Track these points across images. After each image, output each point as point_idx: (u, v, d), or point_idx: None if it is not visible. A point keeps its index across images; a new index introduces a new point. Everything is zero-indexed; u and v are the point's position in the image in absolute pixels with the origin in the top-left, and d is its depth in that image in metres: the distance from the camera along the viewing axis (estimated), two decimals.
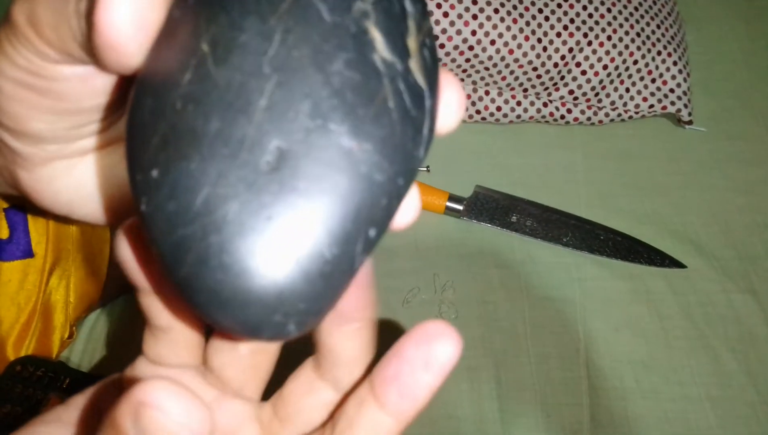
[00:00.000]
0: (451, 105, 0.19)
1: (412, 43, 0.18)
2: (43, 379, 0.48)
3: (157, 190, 0.16)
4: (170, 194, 0.16)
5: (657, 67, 0.71)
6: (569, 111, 0.72)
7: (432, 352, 0.19)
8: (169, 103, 0.17)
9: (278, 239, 0.16)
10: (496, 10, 0.67)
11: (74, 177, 0.23)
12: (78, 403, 0.22)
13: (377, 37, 0.17)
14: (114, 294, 0.55)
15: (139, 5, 0.16)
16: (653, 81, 0.71)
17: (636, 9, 0.71)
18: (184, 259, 0.16)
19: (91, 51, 0.18)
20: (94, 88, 0.20)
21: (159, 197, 0.16)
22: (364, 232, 0.17)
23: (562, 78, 0.70)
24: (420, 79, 0.18)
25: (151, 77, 0.17)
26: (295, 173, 0.17)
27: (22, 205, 0.45)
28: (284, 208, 0.17)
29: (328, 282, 0.17)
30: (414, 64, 0.18)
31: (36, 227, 0.47)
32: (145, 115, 0.17)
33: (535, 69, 0.69)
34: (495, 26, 0.67)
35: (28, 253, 0.47)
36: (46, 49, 0.19)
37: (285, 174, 0.17)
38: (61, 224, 0.49)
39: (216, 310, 0.17)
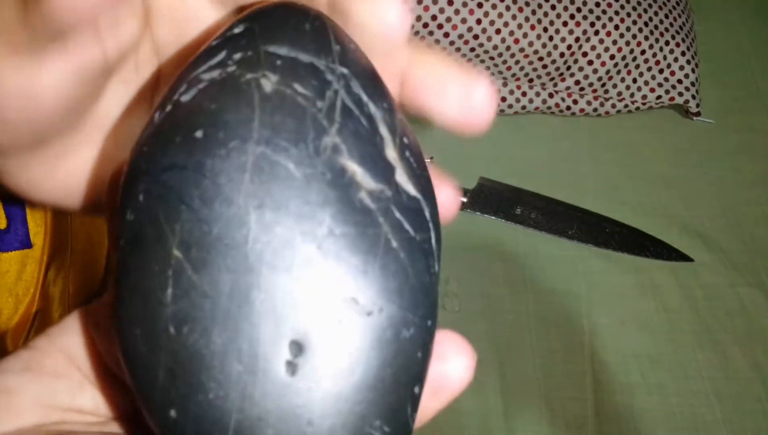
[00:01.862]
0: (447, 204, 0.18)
1: (391, 153, 0.16)
2: None
3: (182, 431, 0.15)
4: (198, 428, 0.15)
5: (665, 58, 0.70)
6: (575, 102, 0.71)
7: (440, 375, 0.17)
8: (161, 328, 0.15)
9: None
10: None
11: (56, 180, 0.22)
12: (43, 347, 0.20)
13: (356, 170, 0.16)
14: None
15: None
16: (661, 71, 0.70)
17: None
18: None
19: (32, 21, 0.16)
20: (40, 106, 0.18)
21: (185, 430, 0.15)
22: (411, 394, 0.16)
23: (569, 68, 0.69)
24: (411, 189, 0.16)
25: (128, 300, 0.15)
26: (321, 365, 0.15)
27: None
28: (321, 408, 0.15)
29: None
30: (401, 177, 0.16)
31: (34, 217, 0.47)
32: (140, 349, 0.15)
33: (540, 59, 0.68)
34: (500, 15, 0.66)
35: (27, 244, 0.47)
36: None
37: (310, 370, 0.15)
38: (60, 215, 0.48)
39: None
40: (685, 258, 0.63)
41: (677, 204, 0.67)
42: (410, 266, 0.16)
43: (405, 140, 0.17)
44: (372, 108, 0.16)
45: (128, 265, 0.15)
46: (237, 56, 0.16)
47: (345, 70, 0.16)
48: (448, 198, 0.18)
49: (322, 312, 0.15)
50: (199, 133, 0.15)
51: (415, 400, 0.16)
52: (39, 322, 0.49)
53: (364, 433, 0.15)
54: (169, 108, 0.16)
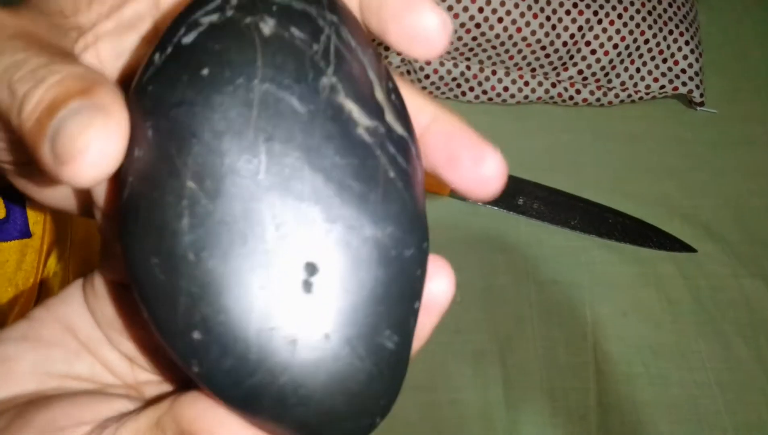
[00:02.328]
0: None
1: (380, 95, 0.18)
2: None
3: (207, 351, 0.16)
4: (223, 351, 0.16)
5: (668, 47, 0.69)
6: (578, 92, 0.70)
7: (430, 294, 0.18)
8: (179, 256, 0.16)
9: (344, 354, 0.16)
10: None
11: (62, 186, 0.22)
12: (41, 317, 0.21)
13: (352, 108, 0.17)
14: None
15: (111, 143, 0.14)
16: (664, 61, 0.69)
17: None
18: (260, 406, 0.16)
19: (29, 147, 0.15)
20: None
21: (211, 357, 0.16)
22: (412, 308, 0.17)
23: (571, 57, 0.68)
24: (399, 128, 0.18)
25: (142, 233, 0.16)
26: (335, 283, 0.16)
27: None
28: (338, 321, 0.16)
29: (397, 368, 0.17)
30: (389, 116, 0.18)
31: (33, 207, 0.46)
32: (158, 277, 0.16)
33: (543, 48, 0.67)
34: (503, 3, 0.65)
35: (26, 233, 0.47)
36: None
37: (325, 287, 0.16)
38: None
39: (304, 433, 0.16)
40: (688, 248, 0.63)
41: (680, 194, 0.67)
42: (406, 194, 0.17)
43: (390, 85, 0.18)
44: (360, 53, 0.18)
45: (140, 202, 0.16)
46: (234, 1, 0.17)
47: (335, 18, 0.17)
48: (446, 286, 0.19)
49: (333, 235, 0.16)
50: (205, 72, 0.16)
51: (416, 314, 0.17)
52: None
53: (376, 341, 0.16)
54: (170, 50, 0.16)
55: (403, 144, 0.18)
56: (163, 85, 0.16)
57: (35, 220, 0.46)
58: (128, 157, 0.16)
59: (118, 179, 0.17)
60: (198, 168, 0.16)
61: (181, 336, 0.16)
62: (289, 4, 0.17)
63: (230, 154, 0.16)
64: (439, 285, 0.18)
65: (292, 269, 0.16)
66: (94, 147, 0.14)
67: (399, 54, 0.19)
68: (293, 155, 0.16)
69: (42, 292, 0.48)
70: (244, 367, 0.16)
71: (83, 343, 0.20)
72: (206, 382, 0.16)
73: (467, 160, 0.19)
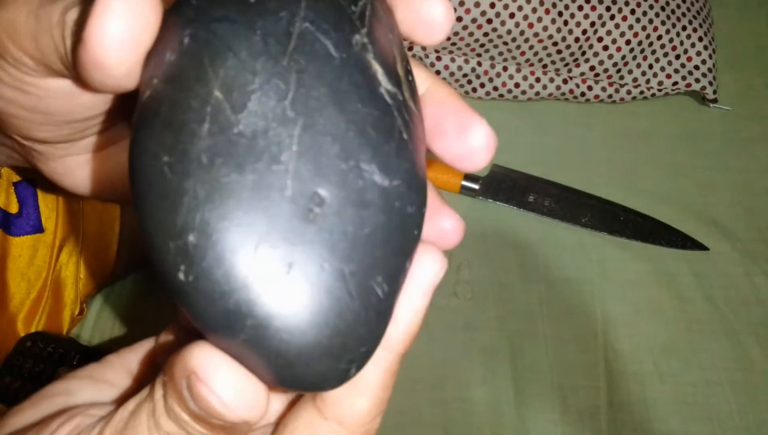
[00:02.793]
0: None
1: (400, 70, 0.18)
2: (53, 355, 0.47)
3: (200, 256, 0.15)
4: (216, 259, 0.15)
5: (682, 43, 0.68)
6: (590, 88, 0.70)
7: (412, 271, 0.19)
8: (193, 158, 0.16)
9: (336, 288, 0.16)
10: None
11: (90, 170, 0.23)
12: (112, 361, 0.22)
13: (378, 69, 0.18)
14: (124, 272, 0.55)
15: (134, 23, 0.15)
16: (677, 57, 0.69)
17: None
18: (242, 325, 0.16)
19: (72, 66, 0.17)
20: (83, 103, 0.20)
21: (203, 263, 0.15)
22: (404, 264, 0.18)
23: (583, 53, 0.68)
24: (412, 104, 0.18)
25: (159, 131, 0.16)
26: (339, 218, 0.16)
27: (34, 178, 0.45)
28: (336, 255, 0.16)
29: (381, 319, 0.17)
30: (405, 91, 0.18)
31: (46, 202, 0.47)
32: (166, 175, 0.16)
33: (555, 44, 0.67)
34: None
35: (38, 228, 0.47)
36: (24, 58, 0.18)
37: (329, 220, 0.16)
38: (72, 200, 0.48)
39: (281, 370, 0.16)
40: (700, 247, 0.62)
41: (693, 192, 0.66)
42: (416, 157, 0.18)
43: (407, 67, 0.19)
44: (388, 29, 0.18)
45: (160, 100, 0.16)
46: None
47: None
48: (452, 223, 0.20)
49: (345, 172, 0.17)
50: None
51: (405, 273, 0.18)
52: (50, 307, 0.49)
53: (368, 284, 0.17)
54: None
55: (414, 117, 0.18)
56: (208, 0, 0.16)
57: (47, 215, 0.47)
58: (157, 61, 0.16)
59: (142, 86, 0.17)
60: (228, 80, 0.16)
61: (177, 238, 0.15)
62: None
63: (262, 74, 0.16)
64: (427, 262, 0.19)
65: (301, 195, 0.16)
66: (117, 8, 0.15)
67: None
68: (321, 91, 0.17)
69: (54, 287, 0.49)
70: (234, 279, 0.15)
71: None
72: (190, 291, 0.15)
73: (452, 128, 0.19)
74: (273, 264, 0.16)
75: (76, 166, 0.23)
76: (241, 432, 0.17)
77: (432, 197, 0.20)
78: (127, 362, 0.22)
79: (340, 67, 0.17)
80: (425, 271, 0.19)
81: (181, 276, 0.15)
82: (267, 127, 0.16)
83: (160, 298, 0.56)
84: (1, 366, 0.47)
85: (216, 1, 0.16)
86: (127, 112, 0.20)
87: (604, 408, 0.54)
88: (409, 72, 0.19)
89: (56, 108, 0.19)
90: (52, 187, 0.24)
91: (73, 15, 0.17)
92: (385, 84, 0.18)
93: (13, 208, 0.46)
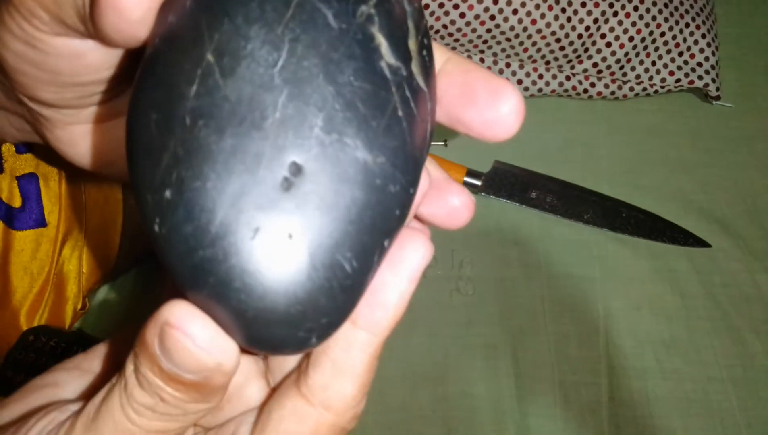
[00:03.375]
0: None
1: (412, 44, 0.18)
2: (56, 350, 0.47)
3: (172, 211, 0.16)
4: (187, 216, 0.16)
5: (685, 40, 0.68)
6: (592, 85, 0.70)
7: (399, 255, 0.19)
8: (178, 118, 0.16)
9: (300, 257, 0.16)
10: None
11: (93, 141, 0.23)
12: (99, 351, 0.23)
13: (382, 42, 0.17)
14: (127, 266, 0.55)
15: None
16: (680, 54, 0.69)
17: None
18: (205, 281, 0.16)
19: (89, 17, 0.17)
20: (90, 64, 0.20)
21: (174, 219, 0.16)
22: (380, 243, 0.18)
23: (586, 50, 0.67)
24: (421, 81, 0.18)
25: (152, 88, 0.16)
26: (313, 190, 0.16)
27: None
28: (304, 225, 0.16)
29: (348, 294, 0.17)
30: (415, 67, 0.18)
31: (49, 196, 0.47)
32: (152, 131, 0.16)
33: (558, 40, 0.67)
34: None
35: (41, 223, 0.47)
36: (39, 11, 0.18)
37: (303, 190, 0.16)
38: (74, 194, 0.48)
39: (239, 330, 0.17)
40: (702, 243, 0.62)
41: (695, 189, 0.66)
42: (409, 136, 0.18)
43: (425, 41, 0.19)
44: (406, 2, 0.18)
45: (158, 59, 0.16)
46: None
47: None
48: (462, 199, 0.20)
49: (326, 144, 0.17)
50: None
51: (382, 252, 0.18)
52: (53, 301, 0.49)
53: (335, 257, 0.17)
54: None
55: (420, 95, 0.18)
56: None
57: (50, 209, 0.47)
58: (161, 21, 0.17)
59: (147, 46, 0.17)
60: (221, 45, 0.16)
61: (155, 192, 0.16)
62: None
63: (254, 41, 0.16)
64: (413, 252, 0.19)
65: (278, 163, 0.16)
66: None
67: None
68: (312, 62, 0.17)
69: (56, 281, 0.49)
70: (201, 237, 0.16)
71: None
72: (162, 243, 0.16)
73: (483, 94, 0.18)
74: (240, 227, 0.16)
75: (79, 137, 0.23)
76: (214, 392, 0.17)
77: (439, 176, 0.20)
78: (116, 351, 0.22)
79: (338, 38, 0.17)
80: (412, 256, 0.19)
81: (156, 228, 0.16)
82: (253, 94, 0.16)
83: (162, 292, 0.57)
84: (4, 360, 0.47)
85: None
86: (129, 81, 0.20)
87: (605, 404, 0.54)
88: (425, 47, 0.18)
89: (63, 67, 0.20)
90: (55, 161, 0.25)
91: None
92: (387, 58, 0.17)
93: (17, 202, 0.46)
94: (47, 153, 0.25)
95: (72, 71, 0.20)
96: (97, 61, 0.20)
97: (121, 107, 0.23)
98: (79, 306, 0.51)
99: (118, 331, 0.24)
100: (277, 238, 0.16)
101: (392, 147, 0.17)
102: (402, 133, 0.18)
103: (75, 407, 0.20)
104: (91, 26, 0.17)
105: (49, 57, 0.19)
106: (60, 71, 0.20)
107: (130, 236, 0.51)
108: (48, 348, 0.48)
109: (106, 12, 0.16)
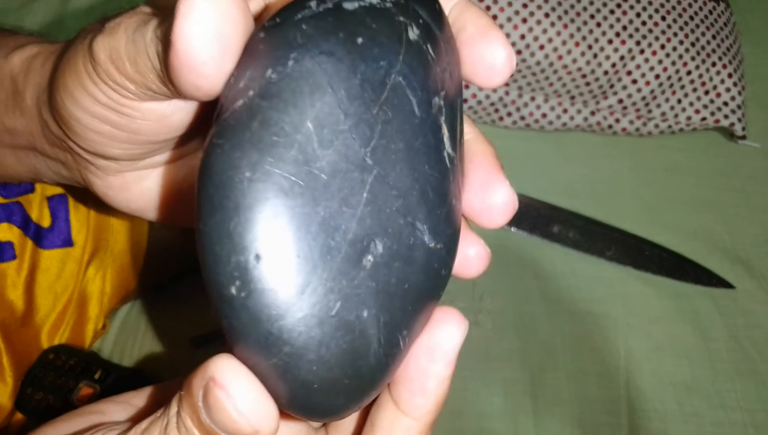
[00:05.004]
0: None
1: (458, 133, 0.19)
2: (75, 369, 0.48)
3: (258, 277, 0.16)
4: (274, 284, 0.16)
5: (711, 79, 0.68)
6: (617, 121, 0.70)
7: (434, 341, 0.19)
8: (275, 181, 0.16)
9: (370, 334, 0.17)
10: (547, 15, 0.65)
11: (145, 185, 0.24)
12: (148, 391, 0.23)
13: (446, 133, 0.19)
14: (148, 288, 0.55)
15: (217, 19, 0.16)
16: (706, 93, 0.69)
17: (691, 18, 0.69)
18: (279, 349, 0.16)
19: (168, 80, 0.18)
20: (173, 124, 0.20)
21: (259, 285, 0.16)
22: (424, 322, 0.19)
23: (612, 86, 0.68)
24: (460, 165, 0.19)
25: (248, 144, 0.16)
26: (387, 271, 0.17)
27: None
28: (378, 304, 0.17)
29: (394, 368, 0.18)
30: (458, 153, 0.19)
31: (77, 217, 0.47)
32: (243, 188, 0.16)
33: (584, 76, 0.67)
34: (545, 30, 0.65)
35: (68, 242, 0.47)
36: (126, 83, 0.19)
37: (380, 270, 0.17)
38: (102, 215, 0.48)
39: (297, 398, 0.17)
40: (726, 284, 0.62)
41: (719, 229, 0.65)
42: (458, 223, 0.19)
43: (462, 126, 0.19)
44: (459, 91, 0.19)
45: (255, 115, 0.16)
46: None
47: (452, 56, 0.19)
48: (478, 252, 0.21)
49: (402, 228, 0.18)
50: (359, 41, 0.17)
51: (422, 329, 0.19)
52: (75, 320, 0.49)
53: (395, 335, 0.18)
54: (330, 5, 0.17)
55: (461, 181, 0.19)
56: (318, 30, 0.17)
57: (78, 229, 0.47)
58: (255, 74, 0.17)
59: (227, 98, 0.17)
60: (322, 115, 0.16)
61: (239, 253, 0.16)
62: (429, 24, 0.18)
63: (353, 117, 0.17)
64: (447, 335, 0.19)
65: (360, 241, 0.17)
66: (200, 5, 0.15)
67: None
68: (398, 146, 0.17)
69: (79, 301, 0.49)
70: (284, 306, 0.16)
71: None
72: (237, 307, 0.16)
73: (477, 184, 0.20)
74: (321, 300, 0.16)
75: (132, 182, 0.23)
76: None
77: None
78: (163, 395, 0.23)
79: (419, 127, 0.18)
80: (449, 338, 0.19)
81: (233, 290, 0.16)
82: (346, 169, 0.17)
83: (182, 314, 0.57)
84: (24, 377, 0.47)
85: (325, 32, 0.17)
86: (192, 134, 0.20)
87: None
88: (462, 131, 0.20)
89: (146, 128, 0.20)
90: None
91: (163, 30, 0.18)
92: (448, 148, 0.19)
93: (46, 222, 0.46)
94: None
95: (153, 131, 0.21)
96: (180, 121, 0.20)
97: (178, 154, 0.23)
98: (100, 326, 0.51)
99: (150, 359, 0.24)
100: (353, 314, 0.17)
101: (449, 234, 0.18)
102: (455, 220, 0.19)
103: (123, 427, 0.20)
104: (172, 87, 0.18)
105: (134, 120, 0.20)
106: (141, 132, 0.20)
107: (153, 258, 0.51)
108: (68, 367, 0.48)
109: (182, 73, 0.16)
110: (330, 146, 0.16)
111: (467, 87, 0.69)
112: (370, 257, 0.17)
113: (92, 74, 0.19)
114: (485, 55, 0.19)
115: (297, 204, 0.16)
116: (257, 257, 0.16)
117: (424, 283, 0.18)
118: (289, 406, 0.17)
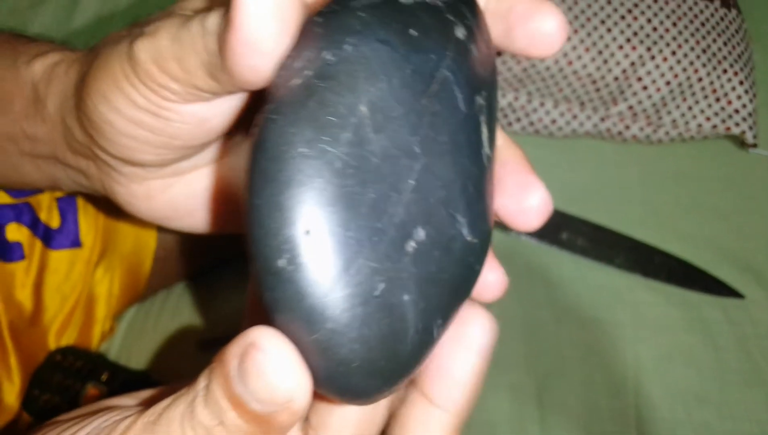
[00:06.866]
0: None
1: (494, 135, 0.20)
2: (82, 370, 0.48)
3: (307, 250, 0.16)
4: (322, 259, 0.16)
5: (722, 86, 0.68)
6: (627, 127, 0.69)
7: (466, 333, 0.19)
8: (329, 160, 0.16)
9: (410, 319, 0.17)
10: None
11: (170, 194, 0.23)
12: (163, 389, 0.23)
13: (485, 132, 0.19)
14: (156, 289, 0.55)
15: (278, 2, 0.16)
16: (717, 100, 0.68)
17: (702, 25, 0.69)
18: (322, 325, 0.16)
19: (222, 66, 0.17)
20: (211, 128, 0.20)
21: (308, 258, 0.16)
22: (457, 311, 0.19)
23: (622, 93, 0.67)
24: (493, 169, 0.20)
25: (304, 121, 0.16)
26: (429, 258, 0.18)
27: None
28: (418, 290, 0.17)
29: (426, 356, 0.18)
30: (494, 154, 0.20)
31: (86, 218, 0.47)
32: (298, 163, 0.16)
33: (594, 82, 0.66)
34: None
35: (77, 243, 0.47)
36: (170, 83, 0.19)
37: (421, 258, 0.18)
38: (110, 217, 0.48)
39: (333, 376, 0.17)
40: (735, 294, 0.61)
41: (730, 237, 0.65)
42: (491, 222, 0.20)
43: (496, 128, 0.20)
44: (497, 94, 0.20)
45: (312, 94, 0.17)
46: None
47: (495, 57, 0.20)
48: (498, 278, 0.21)
49: (444, 219, 0.18)
50: (413, 32, 0.18)
51: (452, 322, 0.19)
52: (82, 322, 0.49)
53: (430, 323, 0.18)
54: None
55: (494, 182, 0.20)
56: (375, 18, 0.17)
57: (86, 230, 0.47)
58: (311, 55, 0.17)
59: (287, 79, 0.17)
60: (376, 100, 0.17)
61: (290, 225, 0.16)
62: (472, 26, 0.19)
63: (404, 105, 0.17)
64: (479, 329, 0.19)
65: (405, 227, 0.17)
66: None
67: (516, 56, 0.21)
68: (444, 138, 0.18)
69: (87, 303, 0.49)
70: (330, 281, 0.16)
71: None
72: (285, 280, 0.16)
73: (512, 186, 0.20)
74: (366, 280, 0.16)
75: (157, 190, 0.23)
76: (274, 432, 0.17)
77: None
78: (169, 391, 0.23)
79: (463, 122, 0.18)
80: (483, 331, 0.19)
81: (281, 263, 0.16)
82: (396, 156, 0.17)
83: (189, 317, 0.57)
84: (31, 378, 0.47)
85: (382, 22, 0.17)
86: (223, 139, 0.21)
87: None
88: (495, 134, 0.20)
89: (183, 132, 0.20)
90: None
91: (212, 19, 0.17)
92: (485, 148, 0.19)
93: (55, 223, 0.46)
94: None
95: (190, 135, 0.20)
96: (219, 125, 0.20)
97: (207, 160, 0.23)
98: (107, 328, 0.51)
99: (157, 361, 0.24)
100: (396, 297, 0.17)
101: (484, 230, 0.19)
102: (489, 218, 0.19)
103: (134, 410, 0.20)
104: (224, 75, 0.18)
105: (172, 124, 0.20)
106: (178, 136, 0.20)
107: (162, 260, 0.51)
108: (74, 369, 0.48)
109: (239, 51, 0.16)
110: (382, 131, 0.17)
111: None
112: (413, 243, 0.17)
113: (131, 77, 0.19)
114: (541, 27, 0.19)
115: (348, 183, 0.16)
116: (307, 232, 0.16)
117: (459, 275, 0.18)
118: (325, 384, 0.17)
